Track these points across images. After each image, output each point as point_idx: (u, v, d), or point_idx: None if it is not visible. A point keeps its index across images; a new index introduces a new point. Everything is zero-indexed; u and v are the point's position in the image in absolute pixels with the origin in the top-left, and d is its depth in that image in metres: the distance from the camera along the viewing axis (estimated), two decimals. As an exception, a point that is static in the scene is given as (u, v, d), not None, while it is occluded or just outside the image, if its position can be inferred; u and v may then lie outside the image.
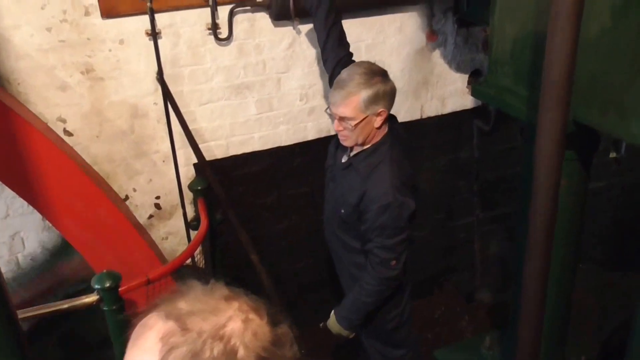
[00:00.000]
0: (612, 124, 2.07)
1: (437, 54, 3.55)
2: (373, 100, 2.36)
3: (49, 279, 3.21)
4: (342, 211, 2.56)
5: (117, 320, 2.34)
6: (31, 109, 2.77)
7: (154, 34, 2.84)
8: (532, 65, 2.28)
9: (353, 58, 2.73)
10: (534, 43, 2.24)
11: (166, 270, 2.61)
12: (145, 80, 2.96)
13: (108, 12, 2.75)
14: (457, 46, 3.55)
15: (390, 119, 2.56)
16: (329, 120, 3.29)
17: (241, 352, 0.84)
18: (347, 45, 2.77)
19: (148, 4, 2.76)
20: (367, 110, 2.38)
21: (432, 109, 3.70)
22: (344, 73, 2.43)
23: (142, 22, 2.82)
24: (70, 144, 2.91)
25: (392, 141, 2.50)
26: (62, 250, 3.20)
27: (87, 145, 2.96)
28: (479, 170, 4.00)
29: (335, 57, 2.71)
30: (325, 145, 2.83)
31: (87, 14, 2.73)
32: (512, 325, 2.70)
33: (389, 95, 2.42)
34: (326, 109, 2.56)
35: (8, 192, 2.86)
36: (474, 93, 2.77)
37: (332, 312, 2.73)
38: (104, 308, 2.32)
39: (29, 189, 2.60)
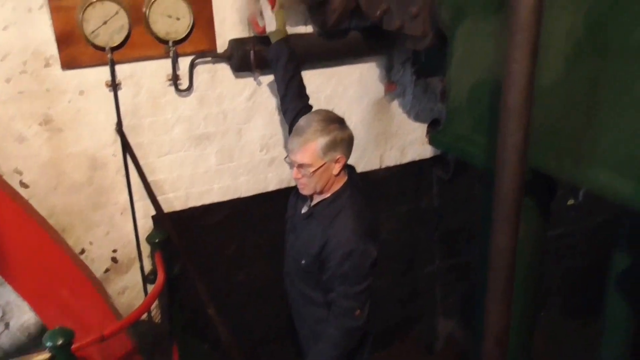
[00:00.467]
0: (569, 171, 2.12)
1: (396, 104, 3.63)
2: (331, 147, 2.38)
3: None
4: (303, 262, 2.53)
5: (69, 380, 2.23)
6: (-15, 161, 2.70)
7: (114, 85, 2.82)
8: (488, 113, 2.34)
9: (313, 109, 2.76)
10: (490, 92, 2.31)
11: (121, 325, 2.53)
12: (104, 131, 2.91)
13: (68, 63, 2.72)
14: (416, 96, 3.65)
15: (349, 168, 2.58)
16: (290, 170, 3.29)
17: None
18: (307, 97, 2.81)
19: (109, 56, 2.75)
20: (325, 157, 2.39)
21: (392, 159, 3.75)
22: (302, 120, 2.46)
23: (102, 73, 2.81)
24: (26, 197, 2.82)
25: (352, 189, 2.51)
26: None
27: (43, 197, 2.87)
28: (439, 219, 4.04)
29: (294, 108, 2.74)
30: (286, 196, 2.83)
31: (47, 65, 2.70)
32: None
33: (347, 142, 2.45)
34: (285, 157, 2.57)
35: None
36: (432, 142, 2.82)
37: None
38: (57, 366, 2.22)
39: (-22, 242, 2.50)
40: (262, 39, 2.91)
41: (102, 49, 2.74)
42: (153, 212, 3.14)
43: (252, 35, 3.01)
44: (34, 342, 3.01)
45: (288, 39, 2.79)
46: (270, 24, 2.76)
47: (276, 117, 3.30)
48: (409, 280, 4.13)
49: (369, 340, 2.74)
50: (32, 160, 2.80)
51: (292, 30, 3.04)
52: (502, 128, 1.96)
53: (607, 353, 2.93)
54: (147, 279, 3.24)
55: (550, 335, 3.96)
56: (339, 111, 2.91)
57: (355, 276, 2.40)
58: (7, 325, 3.02)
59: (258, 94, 3.21)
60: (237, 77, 3.12)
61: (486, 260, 2.17)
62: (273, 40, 2.77)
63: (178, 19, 2.84)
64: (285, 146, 3.33)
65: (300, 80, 2.81)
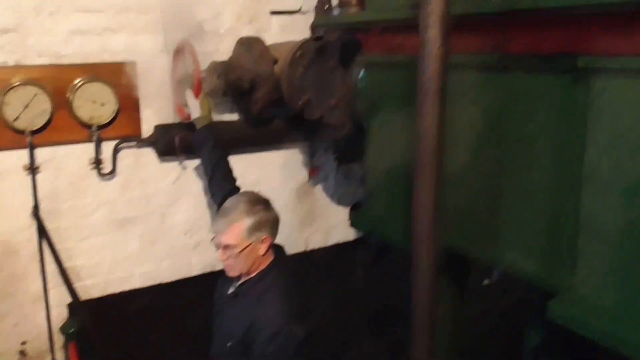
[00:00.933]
0: (481, 251, 2.25)
1: (319, 189, 3.74)
2: (256, 228, 2.42)
3: None
4: (230, 344, 2.48)
5: None
6: None
7: (32, 169, 2.77)
8: (403, 196, 2.47)
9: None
10: (403, 176, 2.46)
11: None
12: (19, 215, 2.82)
13: (-16, 146, 2.66)
14: (338, 181, 3.78)
15: (277, 248, 2.61)
16: (216, 254, 3.26)
17: None
18: (234, 179, 2.87)
19: (28, 139, 2.71)
20: (251, 238, 2.42)
21: (317, 242, 3.82)
22: (228, 202, 2.50)
23: (21, 156, 2.75)
24: None
25: (279, 269, 2.53)
26: None
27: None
28: (364, 300, 4.07)
29: (222, 190, 2.78)
30: (211, 281, 2.79)
31: (-40, 148, 2.63)
32: None
33: (272, 223, 2.50)
34: (212, 238, 2.57)
35: None
36: (353, 224, 2.93)
37: None
38: None
39: None
40: (187, 125, 2.98)
41: (22, 132, 2.71)
42: (69, 300, 3.00)
43: (177, 121, 3.07)
44: None
45: (213, 125, 2.87)
46: (196, 110, 2.85)
47: (201, 201, 3.31)
48: (337, 363, 4.08)
49: None
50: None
51: (218, 117, 3.14)
52: (415, 210, 2.08)
53: None
54: (59, 373, 3.03)
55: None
56: (264, 195, 2.97)
57: (281, 358, 2.37)
58: None
59: (183, 178, 3.23)
60: (162, 161, 3.14)
61: (409, 339, 2.22)
62: (199, 125, 2.85)
63: (103, 104, 2.87)
64: (211, 230, 3.33)
65: (227, 163, 2.88)
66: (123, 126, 2.97)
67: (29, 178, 2.78)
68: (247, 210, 2.43)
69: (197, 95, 2.82)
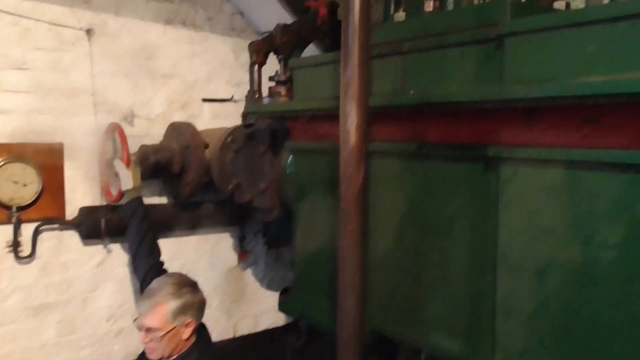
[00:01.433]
0: (407, 334, 2.28)
1: (249, 273, 3.71)
2: (181, 311, 2.36)
3: None
4: None
5: None
6: None
7: (-59, 252, 2.62)
8: (330, 280, 2.50)
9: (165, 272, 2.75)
10: (330, 260, 2.49)
11: None
12: None
13: None
14: (268, 265, 3.77)
15: (200, 326, 2.54)
16: (139, 340, 3.13)
17: None
18: (159, 254, 2.82)
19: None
20: (175, 321, 2.35)
21: (246, 327, 3.73)
22: (154, 283, 2.44)
23: None
24: None
25: (201, 348, 2.44)
26: None
27: None
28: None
29: (145, 264, 2.73)
30: (133, 369, 2.67)
31: None
32: None
33: (198, 306, 2.44)
34: (134, 319, 2.48)
35: None
36: (282, 308, 2.90)
37: None
38: None
39: None
40: (114, 208, 2.94)
41: None
42: (-28, 396, 2.76)
43: (104, 203, 3.02)
44: None
45: (142, 198, 2.85)
46: (126, 182, 2.81)
47: (126, 285, 3.20)
48: None
49: None
50: None
51: (147, 200, 3.11)
52: (341, 293, 2.11)
53: None
54: None
55: None
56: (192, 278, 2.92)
57: None
58: None
59: (108, 262, 3.13)
60: (85, 244, 3.05)
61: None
62: (129, 197, 2.82)
63: (25, 185, 2.79)
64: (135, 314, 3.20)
65: (154, 236, 2.84)
66: (46, 208, 2.89)
67: (-63, 262, 2.63)
68: (173, 293, 2.38)
69: (127, 164, 2.80)
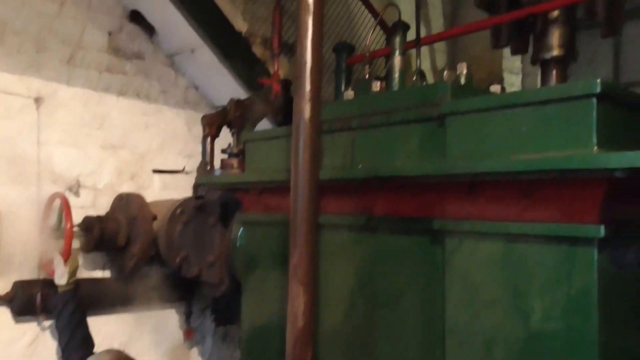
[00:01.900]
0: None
1: (195, 352, 3.56)
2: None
3: None
4: None
5: None
6: None
7: None
8: (280, 356, 2.42)
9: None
10: (278, 337, 2.42)
11: None
12: None
13: None
14: (215, 343, 3.63)
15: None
16: None
17: None
18: (92, 345, 2.68)
19: None
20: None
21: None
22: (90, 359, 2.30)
23: None
24: None
25: None
26: None
27: None
28: None
29: (78, 357, 2.57)
30: None
31: None
32: None
33: None
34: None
35: None
36: (228, 389, 2.77)
37: None
38: None
39: None
40: (52, 282, 2.80)
41: None
42: None
43: (41, 277, 2.88)
44: None
45: (78, 285, 2.73)
46: (61, 277, 2.68)
47: (61, 365, 3.01)
48: None
49: None
50: None
51: (88, 274, 2.99)
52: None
53: None
54: None
55: None
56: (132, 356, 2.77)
57: None
58: None
59: (41, 340, 2.95)
60: (17, 321, 2.87)
61: None
62: (61, 289, 2.69)
63: (-44, 256, 2.65)
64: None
65: (87, 327, 2.72)
66: (-25, 282, 2.73)
67: None
68: (110, 374, 2.25)
69: (65, 257, 2.69)
